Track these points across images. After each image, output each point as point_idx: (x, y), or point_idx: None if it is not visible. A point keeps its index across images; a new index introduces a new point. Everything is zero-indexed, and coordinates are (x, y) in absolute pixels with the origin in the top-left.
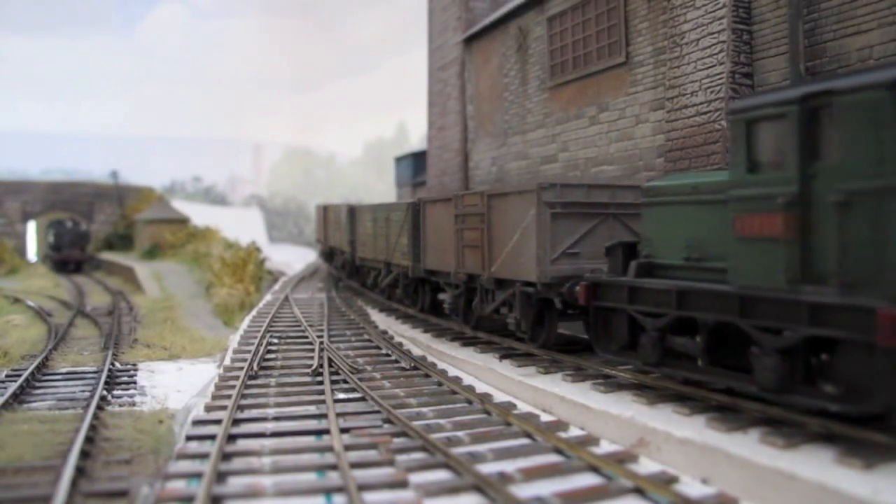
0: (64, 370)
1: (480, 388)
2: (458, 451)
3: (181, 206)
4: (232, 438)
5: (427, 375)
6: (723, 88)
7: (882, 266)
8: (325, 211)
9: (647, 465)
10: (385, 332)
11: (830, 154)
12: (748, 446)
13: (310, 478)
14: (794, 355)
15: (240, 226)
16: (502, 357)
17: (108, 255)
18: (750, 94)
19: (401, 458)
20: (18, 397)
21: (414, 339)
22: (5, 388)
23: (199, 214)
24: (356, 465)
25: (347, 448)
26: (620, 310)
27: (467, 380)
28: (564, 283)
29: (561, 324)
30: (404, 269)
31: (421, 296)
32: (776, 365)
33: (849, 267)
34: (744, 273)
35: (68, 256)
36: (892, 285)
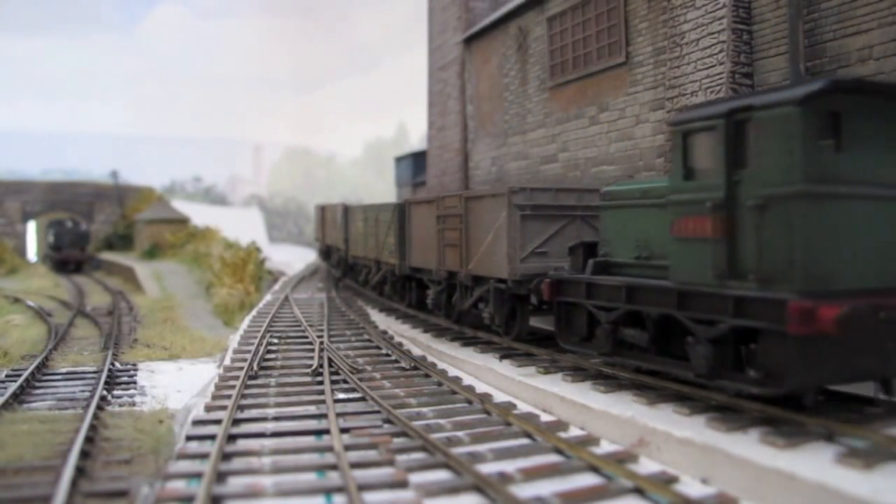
0: (64, 370)
1: (480, 388)
2: (458, 451)
3: (181, 206)
4: (232, 438)
5: (427, 375)
6: (723, 88)
7: (791, 263)
8: (322, 211)
9: (647, 465)
10: (385, 332)
11: (751, 163)
12: (748, 446)
13: (310, 478)
14: (723, 344)
15: (240, 226)
16: (502, 357)
17: (108, 255)
18: (687, 108)
19: (401, 458)
20: (18, 397)
21: (414, 338)
22: (5, 388)
23: (199, 214)
24: (356, 465)
25: (347, 448)
26: (580, 304)
27: (467, 380)
28: (533, 280)
29: (539, 318)
30: (391, 266)
31: (408, 292)
32: (708, 353)
33: (765, 264)
34: (680, 270)
35: (68, 256)
36: (800, 280)
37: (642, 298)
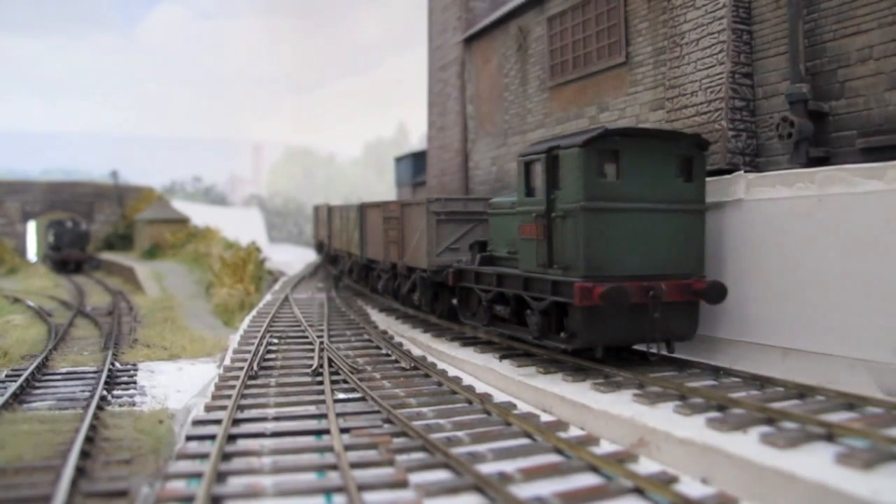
0: (64, 370)
1: (480, 388)
2: (458, 450)
3: (181, 206)
4: (232, 438)
5: (427, 375)
6: (723, 88)
7: (577, 256)
8: (317, 210)
9: (647, 465)
10: (385, 332)
11: (560, 185)
12: (748, 446)
13: (310, 478)
14: (548, 315)
15: (240, 226)
16: (502, 357)
17: (107, 256)
18: (529, 145)
19: (401, 457)
20: (18, 397)
21: (414, 338)
22: (5, 388)
23: (199, 214)
24: (356, 465)
25: (347, 448)
26: (471, 288)
27: (467, 380)
28: (444, 270)
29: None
30: (355, 257)
31: (370, 279)
32: (539, 321)
33: (565, 256)
34: (524, 261)
35: (68, 256)
36: (583, 268)
37: (506, 283)
